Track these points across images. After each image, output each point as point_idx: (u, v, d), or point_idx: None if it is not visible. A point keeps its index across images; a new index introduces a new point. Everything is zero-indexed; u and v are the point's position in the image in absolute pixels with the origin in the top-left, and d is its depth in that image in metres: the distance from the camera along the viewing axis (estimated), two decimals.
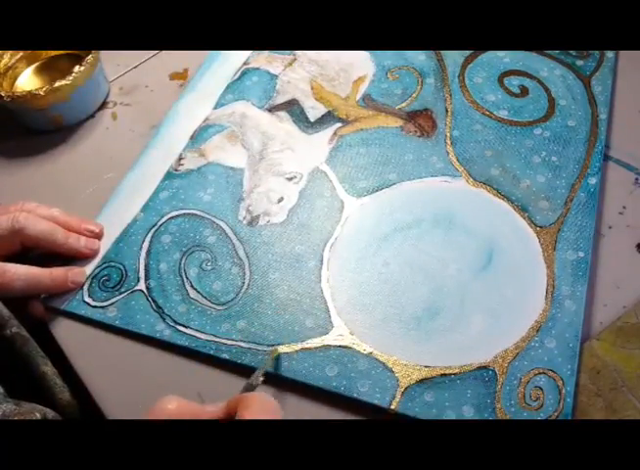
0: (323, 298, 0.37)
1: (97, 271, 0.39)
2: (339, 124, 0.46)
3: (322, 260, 0.39)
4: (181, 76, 0.52)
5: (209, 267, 0.39)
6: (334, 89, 0.48)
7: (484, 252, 0.38)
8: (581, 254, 0.37)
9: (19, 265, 0.36)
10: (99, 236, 0.41)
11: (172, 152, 0.45)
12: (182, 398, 0.27)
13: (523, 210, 0.39)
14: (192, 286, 0.38)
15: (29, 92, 0.45)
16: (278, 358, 0.35)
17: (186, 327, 0.36)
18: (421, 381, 0.33)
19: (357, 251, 0.39)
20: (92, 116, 0.50)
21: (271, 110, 0.48)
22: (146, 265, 0.39)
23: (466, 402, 0.32)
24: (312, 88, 0.49)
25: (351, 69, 0.50)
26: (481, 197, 0.41)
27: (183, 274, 0.39)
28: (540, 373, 0.33)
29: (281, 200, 0.42)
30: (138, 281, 0.39)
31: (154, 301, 0.38)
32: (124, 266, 0.39)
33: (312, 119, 0.47)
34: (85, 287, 0.39)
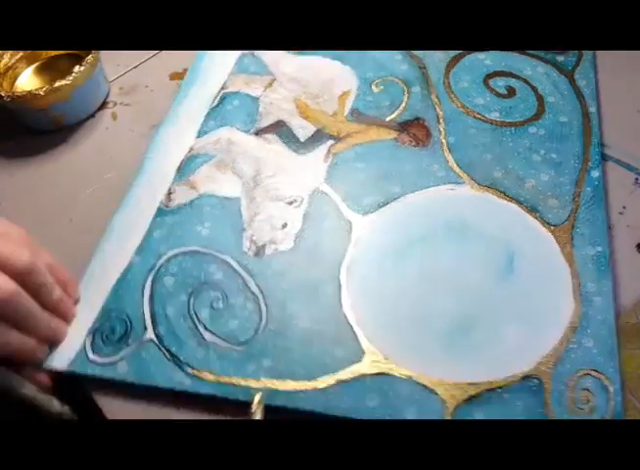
0: (348, 324, 0.35)
1: (98, 324, 0.36)
2: (331, 141, 0.45)
3: (340, 284, 0.37)
4: (181, 76, 0.52)
5: (221, 306, 0.36)
6: (319, 106, 0.47)
7: (504, 257, 0.37)
8: (599, 248, 0.37)
9: None
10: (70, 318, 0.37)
11: (160, 187, 0.43)
12: None
13: (533, 210, 0.39)
14: (206, 328, 0.36)
15: (29, 92, 0.45)
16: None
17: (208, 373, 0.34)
18: (468, 399, 0.32)
19: (375, 270, 0.37)
20: (92, 115, 0.50)
21: (258, 133, 0.46)
22: (151, 312, 0.36)
23: (518, 415, 0.31)
24: (297, 107, 0.47)
25: (333, 84, 0.49)
26: (490, 201, 0.40)
27: (194, 317, 0.36)
28: (585, 374, 0.32)
29: (285, 225, 0.40)
30: (145, 330, 0.36)
31: (167, 349, 0.35)
32: (128, 316, 0.36)
33: (303, 139, 0.45)
34: (88, 343, 0.35)
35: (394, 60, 0.49)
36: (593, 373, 0.32)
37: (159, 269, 0.38)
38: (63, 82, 0.46)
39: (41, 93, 0.45)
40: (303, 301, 0.36)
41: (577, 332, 0.33)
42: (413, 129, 0.45)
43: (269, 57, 0.51)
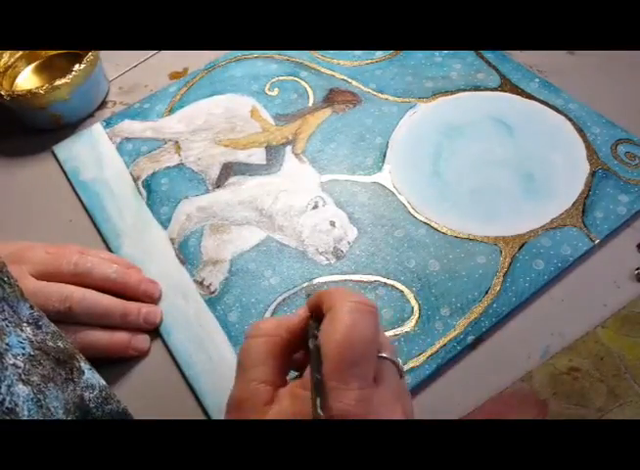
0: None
1: None
2: (289, 147, 0.46)
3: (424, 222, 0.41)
4: (181, 76, 0.53)
5: None
6: (244, 133, 0.47)
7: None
8: None
9: (77, 328, 0.35)
10: (158, 300, 0.39)
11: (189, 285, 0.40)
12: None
13: None
14: None
15: (29, 91, 0.45)
16: None
17: None
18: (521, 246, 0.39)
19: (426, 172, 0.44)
20: (92, 115, 0.50)
21: (219, 186, 0.44)
22: None
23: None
24: (226, 146, 0.47)
25: (233, 111, 0.49)
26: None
27: None
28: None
29: (333, 223, 0.41)
30: None
31: None
32: None
33: (264, 162, 0.45)
34: None
35: (261, 66, 0.52)
36: None
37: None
38: (62, 81, 0.46)
39: (41, 92, 0.46)
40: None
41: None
42: (338, 98, 0.48)
43: (146, 130, 0.48)
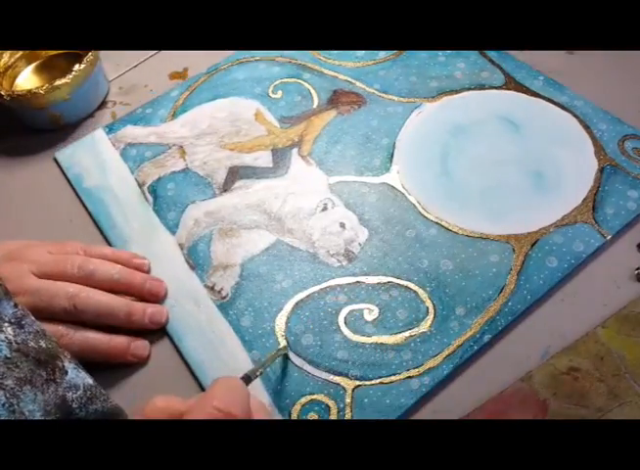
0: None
1: None
2: (295, 149, 0.46)
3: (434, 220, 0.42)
4: (181, 76, 0.52)
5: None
6: (249, 136, 0.47)
7: None
8: None
9: (76, 330, 0.34)
10: (164, 298, 0.39)
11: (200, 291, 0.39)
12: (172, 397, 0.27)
13: None
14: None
15: (29, 91, 0.45)
16: (286, 358, 0.35)
17: None
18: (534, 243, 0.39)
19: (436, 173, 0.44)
20: (92, 115, 0.50)
21: (227, 190, 0.44)
22: None
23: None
24: (232, 150, 0.46)
25: (237, 115, 0.48)
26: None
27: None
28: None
29: (343, 225, 0.41)
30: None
31: None
32: None
33: (271, 165, 0.45)
34: None
35: (263, 69, 0.52)
36: None
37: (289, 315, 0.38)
38: (62, 81, 0.46)
39: (41, 92, 0.45)
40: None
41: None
42: (343, 99, 0.48)
43: (150, 135, 0.48)
